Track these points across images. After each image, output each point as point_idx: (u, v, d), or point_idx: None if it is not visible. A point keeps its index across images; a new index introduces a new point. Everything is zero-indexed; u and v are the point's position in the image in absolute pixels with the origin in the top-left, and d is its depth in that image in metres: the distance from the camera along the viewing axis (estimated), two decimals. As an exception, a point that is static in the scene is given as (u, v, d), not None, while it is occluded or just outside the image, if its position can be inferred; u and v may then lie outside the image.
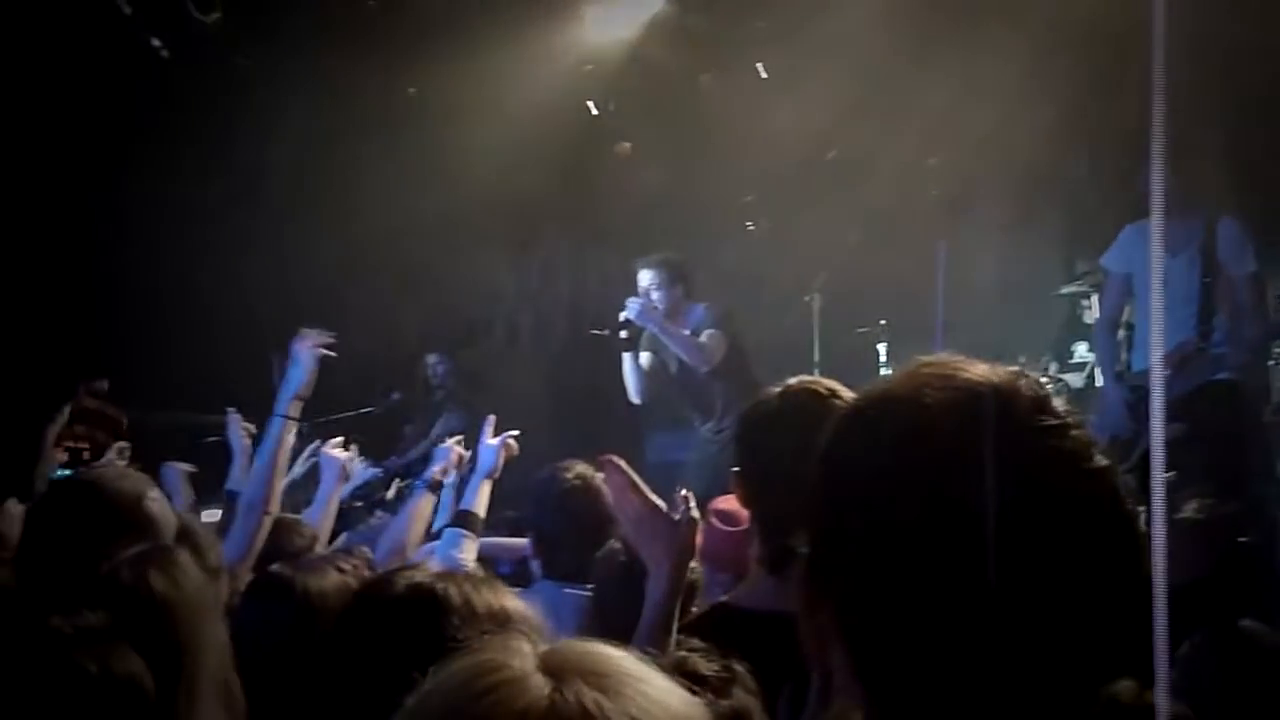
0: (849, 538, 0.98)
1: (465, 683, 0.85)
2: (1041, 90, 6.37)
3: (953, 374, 1.01)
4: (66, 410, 2.73)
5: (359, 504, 4.43)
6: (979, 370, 1.01)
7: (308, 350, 3.48)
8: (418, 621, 1.46)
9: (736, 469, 2.13)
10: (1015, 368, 1.03)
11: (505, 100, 7.44)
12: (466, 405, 7.72)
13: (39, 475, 2.70)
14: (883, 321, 7.17)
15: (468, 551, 3.53)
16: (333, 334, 3.56)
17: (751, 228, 8.09)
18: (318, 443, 4.73)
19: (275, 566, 2.78)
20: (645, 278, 6.04)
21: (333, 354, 3.52)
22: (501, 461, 3.87)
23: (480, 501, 3.72)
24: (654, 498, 2.15)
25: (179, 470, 4.27)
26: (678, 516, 2.13)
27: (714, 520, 3.58)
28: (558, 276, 9.12)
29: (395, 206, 7.55)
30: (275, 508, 3.45)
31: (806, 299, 7.18)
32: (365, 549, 3.47)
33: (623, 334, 6.04)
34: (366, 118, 7.72)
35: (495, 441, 3.86)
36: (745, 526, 3.41)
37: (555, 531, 3.31)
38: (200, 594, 1.86)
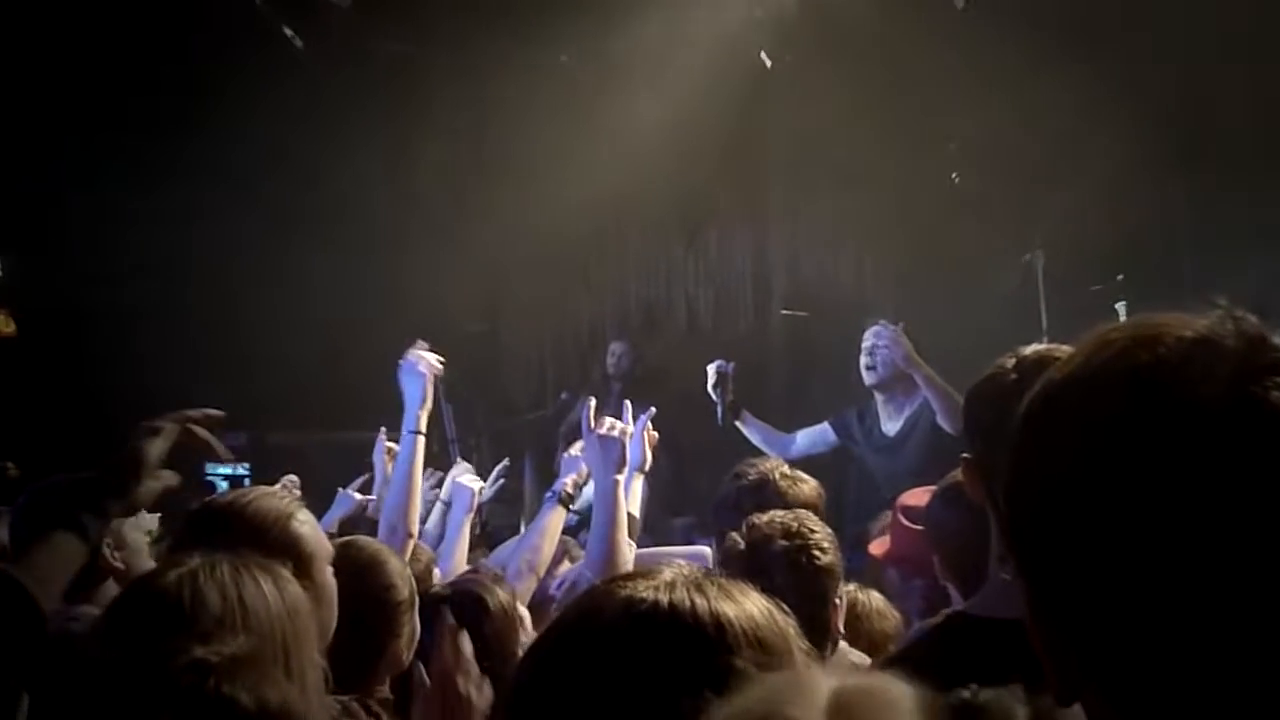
0: (1059, 544, 0.96)
1: None
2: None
3: (1153, 335, 0.97)
4: (173, 430, 2.81)
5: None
6: (1193, 326, 0.96)
7: (419, 362, 3.70)
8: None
9: (966, 454, 2.09)
10: (1221, 310, 0.97)
11: (667, 59, 7.48)
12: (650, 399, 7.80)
13: (143, 494, 2.79)
14: (1120, 276, 6.94)
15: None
16: (441, 357, 3.79)
17: (957, 179, 7.93)
18: (506, 463, 4.97)
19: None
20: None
21: (440, 368, 3.74)
22: (649, 452, 3.81)
23: (635, 500, 3.68)
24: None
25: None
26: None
27: (902, 518, 3.48)
28: (738, 251, 9.12)
29: (557, 187, 7.67)
30: (416, 529, 3.61)
31: (1026, 259, 7.01)
32: (494, 568, 3.62)
33: (717, 393, 6.09)
34: (517, 93, 7.86)
35: (635, 430, 3.75)
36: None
37: None
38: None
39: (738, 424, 6.15)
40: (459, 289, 8.35)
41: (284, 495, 2.60)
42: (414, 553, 3.68)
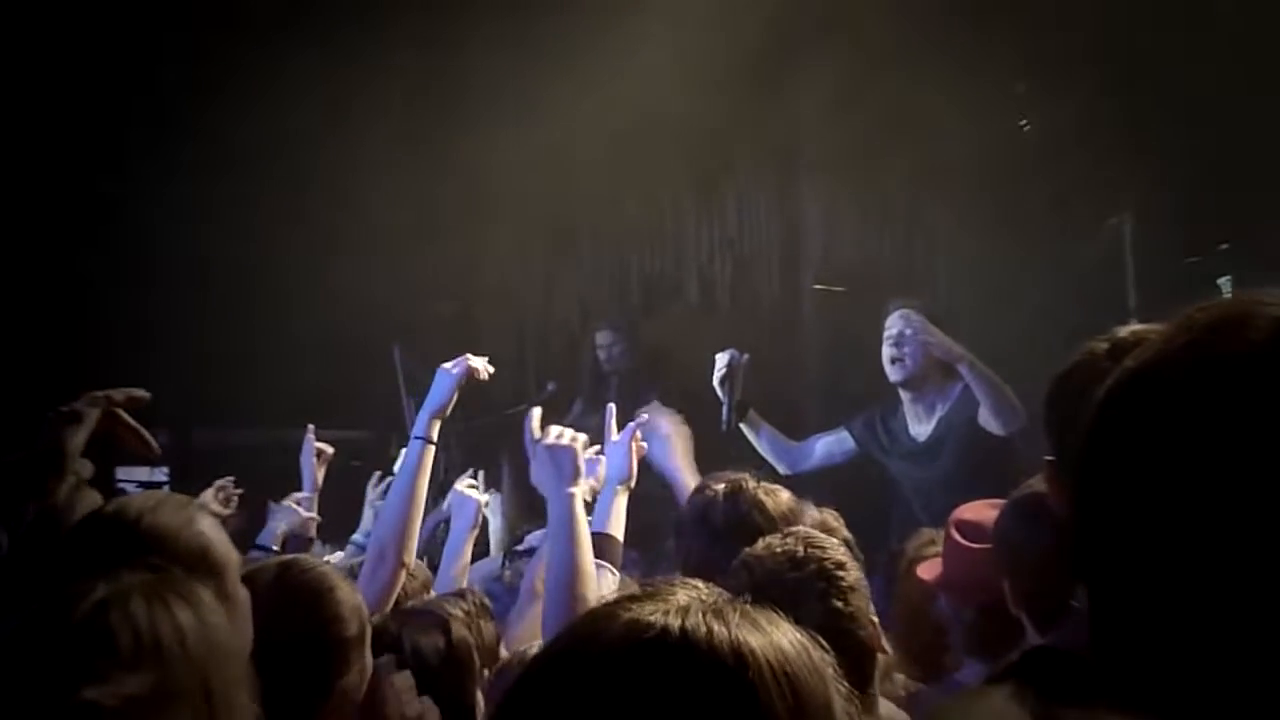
0: (1131, 559, 0.99)
1: None
2: None
3: (1243, 316, 0.99)
4: (92, 415, 2.78)
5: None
6: None
7: (457, 373, 3.82)
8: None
9: (1050, 457, 2.06)
10: None
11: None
12: (650, 392, 7.79)
13: (62, 492, 2.77)
14: (1224, 246, 6.93)
15: (607, 588, 3.49)
16: (489, 363, 3.91)
17: (1026, 127, 7.92)
18: (474, 473, 5.01)
19: (377, 619, 3.02)
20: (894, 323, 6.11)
21: (485, 375, 3.91)
22: (636, 464, 3.89)
23: (616, 520, 3.74)
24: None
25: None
26: None
27: (956, 535, 3.50)
28: (761, 214, 9.10)
29: (540, 138, 7.65)
30: (411, 557, 3.64)
31: (1111, 223, 7.01)
32: (475, 590, 3.70)
33: (724, 390, 6.05)
34: (490, 24, 7.83)
35: (621, 438, 3.86)
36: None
37: (711, 557, 3.32)
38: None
39: (743, 427, 6.16)
40: (423, 262, 8.34)
41: (182, 499, 2.58)
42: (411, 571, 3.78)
